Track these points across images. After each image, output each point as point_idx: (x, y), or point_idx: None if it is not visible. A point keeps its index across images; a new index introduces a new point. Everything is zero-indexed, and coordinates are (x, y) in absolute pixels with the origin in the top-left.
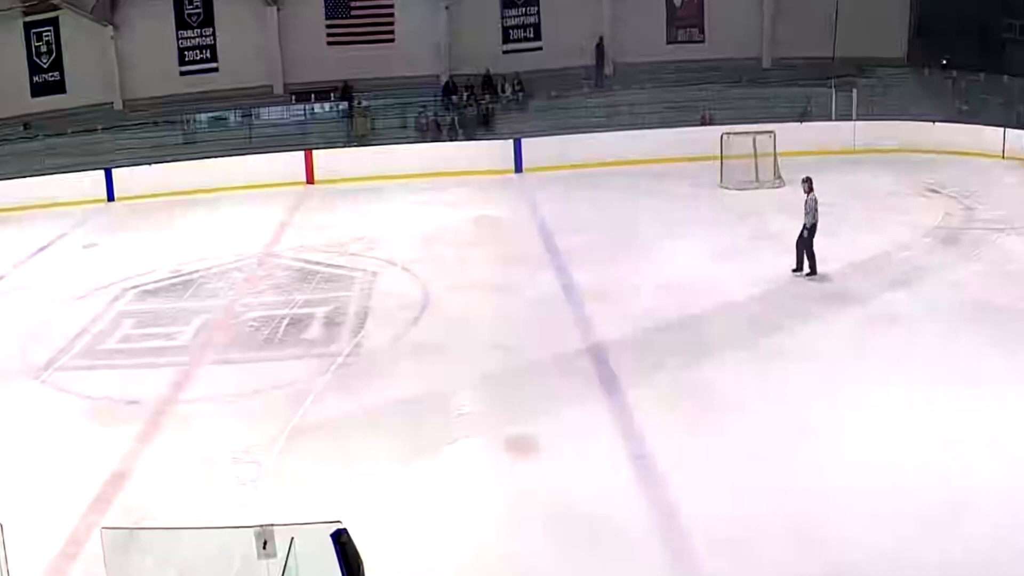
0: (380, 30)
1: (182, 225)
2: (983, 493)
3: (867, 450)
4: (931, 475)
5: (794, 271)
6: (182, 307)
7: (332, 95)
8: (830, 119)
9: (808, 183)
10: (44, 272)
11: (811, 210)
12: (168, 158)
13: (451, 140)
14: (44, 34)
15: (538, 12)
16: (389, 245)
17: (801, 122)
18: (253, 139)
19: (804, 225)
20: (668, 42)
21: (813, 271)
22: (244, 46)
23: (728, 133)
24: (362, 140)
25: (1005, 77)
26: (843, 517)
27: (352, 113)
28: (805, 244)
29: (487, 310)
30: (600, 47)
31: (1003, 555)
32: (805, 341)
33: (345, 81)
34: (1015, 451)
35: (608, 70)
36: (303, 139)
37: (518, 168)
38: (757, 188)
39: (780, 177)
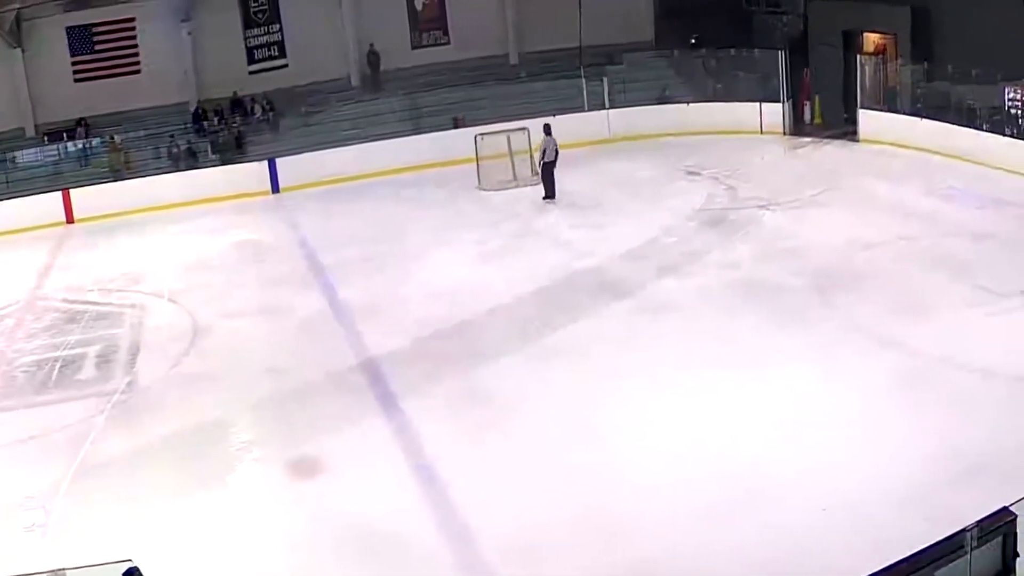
0: (125, 62)
1: None
2: (777, 479)
3: (655, 443)
4: (723, 464)
5: (546, 199)
6: None
7: (77, 132)
8: (583, 110)
9: (547, 128)
10: None
11: (551, 148)
12: None
13: (206, 167)
14: None
15: (280, 30)
16: (154, 278)
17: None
18: (10, 183)
19: (547, 161)
20: (413, 47)
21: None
22: None
23: (482, 134)
24: (118, 175)
25: (756, 51)
26: (636, 514)
27: (107, 148)
28: (549, 175)
29: (257, 335)
30: (372, 53)
31: (803, 541)
32: (581, 337)
33: (80, 119)
34: (805, 432)
35: (356, 81)
36: (59, 179)
37: (275, 188)
38: (516, 187)
39: (538, 173)
